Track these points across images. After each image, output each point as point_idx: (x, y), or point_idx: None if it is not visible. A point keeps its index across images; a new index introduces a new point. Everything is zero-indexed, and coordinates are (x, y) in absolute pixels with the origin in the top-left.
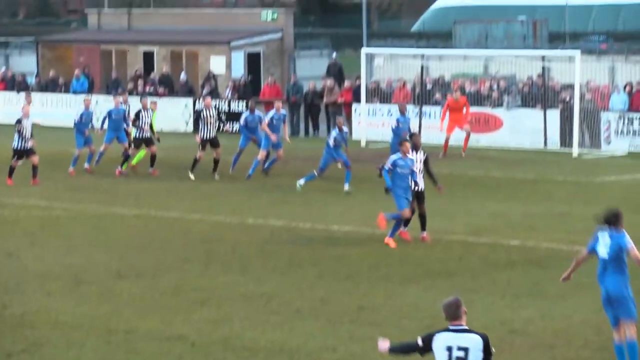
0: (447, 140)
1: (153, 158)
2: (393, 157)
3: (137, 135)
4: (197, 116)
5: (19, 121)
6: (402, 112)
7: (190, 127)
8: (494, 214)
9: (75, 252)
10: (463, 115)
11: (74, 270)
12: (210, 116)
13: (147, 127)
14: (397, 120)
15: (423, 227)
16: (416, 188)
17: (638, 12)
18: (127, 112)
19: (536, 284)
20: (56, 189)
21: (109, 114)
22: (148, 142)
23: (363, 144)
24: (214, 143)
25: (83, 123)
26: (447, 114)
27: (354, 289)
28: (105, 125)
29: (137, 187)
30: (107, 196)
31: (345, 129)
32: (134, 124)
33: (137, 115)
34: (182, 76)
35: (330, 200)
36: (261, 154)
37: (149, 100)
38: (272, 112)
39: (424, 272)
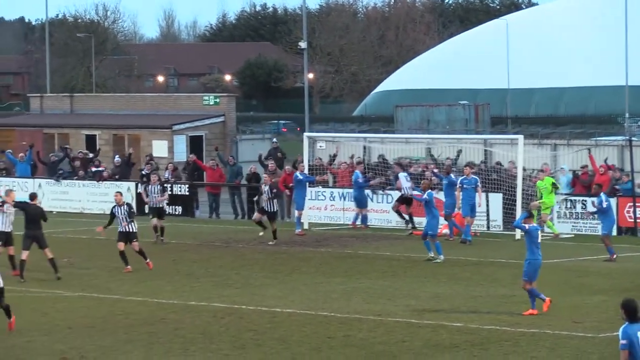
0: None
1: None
2: None
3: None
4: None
5: None
6: None
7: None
8: (437, 296)
9: (17, 334)
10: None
11: (16, 352)
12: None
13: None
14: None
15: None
16: None
17: (580, 96)
18: None
19: None
20: None
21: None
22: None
23: (306, 226)
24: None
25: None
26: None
27: None
28: None
29: (80, 269)
30: (49, 277)
31: None
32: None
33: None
34: (117, 158)
35: (271, 283)
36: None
37: None
38: None
39: (367, 355)
